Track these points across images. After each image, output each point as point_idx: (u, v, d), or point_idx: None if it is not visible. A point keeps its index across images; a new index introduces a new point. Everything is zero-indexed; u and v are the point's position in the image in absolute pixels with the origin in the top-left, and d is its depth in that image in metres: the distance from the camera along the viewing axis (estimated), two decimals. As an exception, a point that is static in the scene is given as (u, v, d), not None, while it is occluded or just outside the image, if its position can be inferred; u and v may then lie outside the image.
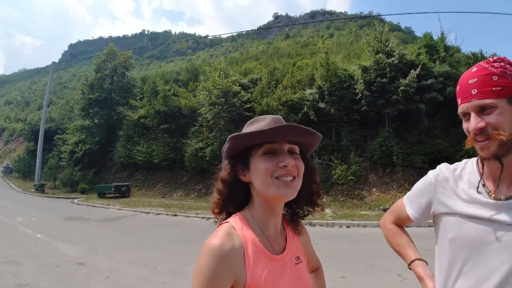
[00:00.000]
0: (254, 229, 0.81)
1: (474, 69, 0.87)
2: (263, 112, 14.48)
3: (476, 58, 13.94)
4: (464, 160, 0.99)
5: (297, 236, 0.93)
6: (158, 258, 5.64)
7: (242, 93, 16.56)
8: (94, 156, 22.49)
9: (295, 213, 0.92)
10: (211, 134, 16.69)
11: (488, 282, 0.81)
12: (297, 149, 0.84)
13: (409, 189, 1.13)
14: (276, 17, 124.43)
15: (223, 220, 0.84)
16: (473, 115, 0.84)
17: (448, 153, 11.66)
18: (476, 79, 0.84)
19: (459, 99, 0.88)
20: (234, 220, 0.81)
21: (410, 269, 1.04)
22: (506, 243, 0.81)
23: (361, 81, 13.52)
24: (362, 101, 13.56)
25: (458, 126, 2.79)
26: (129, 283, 4.43)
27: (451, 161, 1.04)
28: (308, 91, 14.99)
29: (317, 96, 14.50)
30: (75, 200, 16.37)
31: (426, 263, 1.02)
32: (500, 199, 0.85)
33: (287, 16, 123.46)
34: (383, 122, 13.76)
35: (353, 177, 12.82)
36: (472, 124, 0.83)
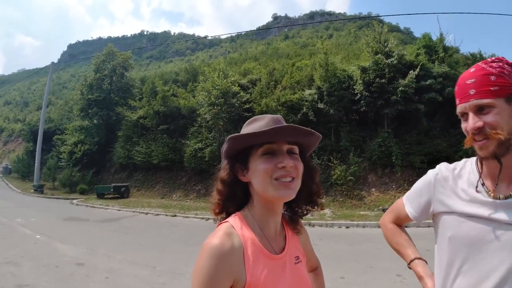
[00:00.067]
0: (254, 228, 0.81)
1: (472, 69, 0.87)
2: (262, 113, 14.40)
3: (475, 58, 13.98)
4: (464, 160, 1.00)
5: (296, 236, 0.93)
6: (157, 259, 5.64)
7: (241, 94, 16.57)
8: (93, 156, 22.46)
9: (294, 212, 0.92)
10: (210, 135, 16.68)
11: (487, 281, 0.82)
12: (296, 149, 0.83)
13: (408, 190, 1.13)
14: (275, 17, 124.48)
15: (223, 220, 0.84)
16: (471, 115, 0.84)
17: (447, 153, 11.67)
18: (474, 79, 0.85)
19: (458, 99, 0.89)
20: (234, 220, 0.81)
21: (409, 268, 1.04)
22: (505, 242, 0.81)
23: (360, 81, 13.53)
24: (361, 101, 13.58)
25: (457, 127, 2.80)
26: (128, 284, 4.43)
27: (450, 161, 1.04)
28: (307, 92, 15.01)
29: (316, 96, 14.52)
30: (74, 201, 16.34)
31: (426, 262, 1.03)
32: (499, 198, 0.85)
33: (286, 17, 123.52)
34: (382, 122, 13.78)
35: (352, 178, 12.83)
36: (470, 123, 0.84)
